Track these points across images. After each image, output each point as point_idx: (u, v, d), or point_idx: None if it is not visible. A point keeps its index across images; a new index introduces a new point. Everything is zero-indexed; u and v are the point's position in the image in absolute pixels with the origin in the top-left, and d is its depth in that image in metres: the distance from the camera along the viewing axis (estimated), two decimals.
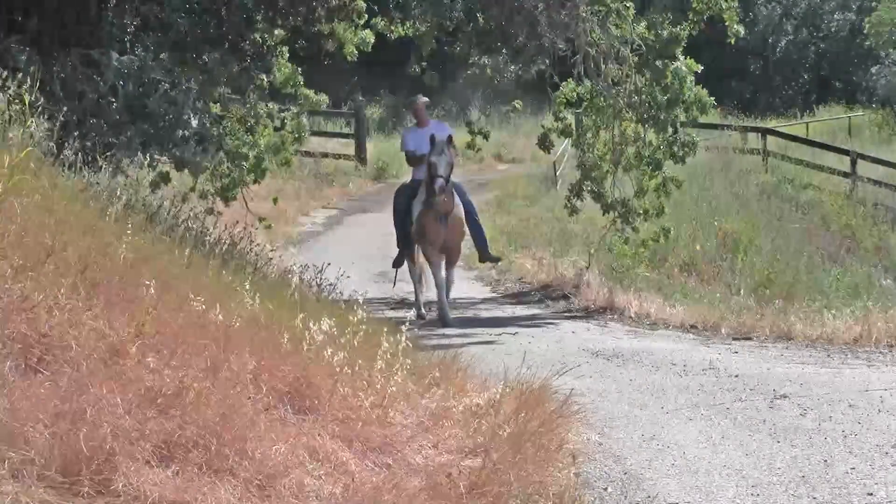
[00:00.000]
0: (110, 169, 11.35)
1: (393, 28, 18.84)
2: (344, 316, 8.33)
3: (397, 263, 16.17)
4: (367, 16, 18.40)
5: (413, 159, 15.71)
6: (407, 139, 16.04)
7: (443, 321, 14.89)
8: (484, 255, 16.22)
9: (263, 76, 17.34)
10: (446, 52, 19.09)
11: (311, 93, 19.82)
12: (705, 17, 17.61)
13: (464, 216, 15.29)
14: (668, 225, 18.45)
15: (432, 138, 14.68)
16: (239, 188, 18.51)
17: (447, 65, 19.73)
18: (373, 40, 19.02)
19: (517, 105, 22.73)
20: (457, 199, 15.16)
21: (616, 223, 17.75)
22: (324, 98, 20.57)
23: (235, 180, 18.35)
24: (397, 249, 16.07)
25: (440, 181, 14.57)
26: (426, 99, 16.52)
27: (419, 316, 15.23)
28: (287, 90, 19.51)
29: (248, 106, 18.05)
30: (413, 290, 16.02)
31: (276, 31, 17.03)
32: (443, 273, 15.23)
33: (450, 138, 14.91)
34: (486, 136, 20.24)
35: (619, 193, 17.75)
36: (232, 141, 17.89)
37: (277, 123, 19.16)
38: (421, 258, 15.84)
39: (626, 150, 17.54)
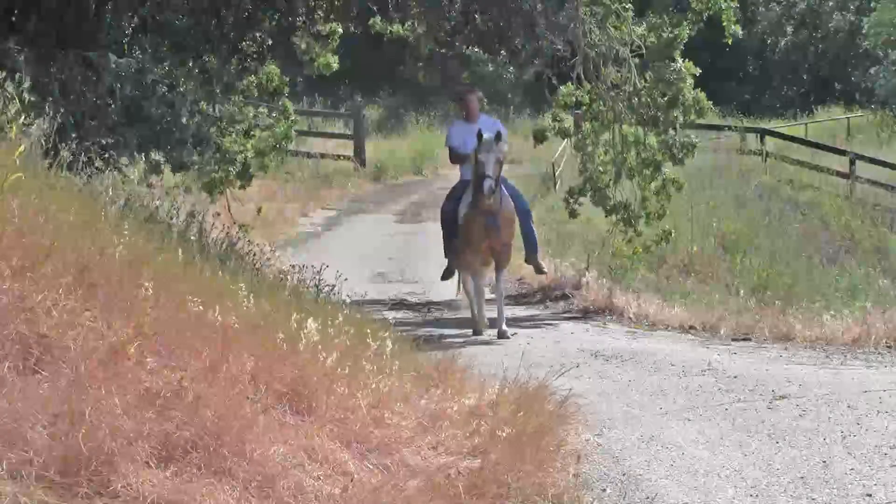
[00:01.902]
0: (108, 170, 11.36)
1: (391, 29, 18.81)
2: (341, 316, 8.33)
3: (447, 275, 15.00)
4: (339, 36, 18.24)
5: (456, 156, 14.58)
6: (452, 134, 14.84)
7: (499, 331, 13.76)
8: (530, 258, 15.23)
9: (252, 77, 17.34)
10: (444, 54, 19.05)
11: (290, 105, 19.73)
12: (704, 17, 17.62)
13: (515, 215, 14.16)
14: (669, 227, 18.46)
15: (479, 135, 13.55)
16: (224, 186, 18.49)
17: (445, 66, 19.68)
18: (336, 66, 18.90)
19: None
20: (506, 194, 14.00)
21: (619, 226, 17.78)
22: (298, 120, 20.70)
23: (221, 178, 18.33)
24: (446, 259, 14.89)
25: (489, 181, 13.38)
26: (480, 92, 15.49)
27: (476, 332, 13.95)
28: (274, 96, 19.38)
29: (238, 107, 18.00)
30: (469, 303, 14.49)
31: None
32: (482, 281, 14.13)
33: (498, 135, 13.65)
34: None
35: (621, 196, 17.77)
36: (228, 141, 17.89)
37: (267, 123, 19.13)
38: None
39: (627, 156, 17.53)
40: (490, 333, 13.82)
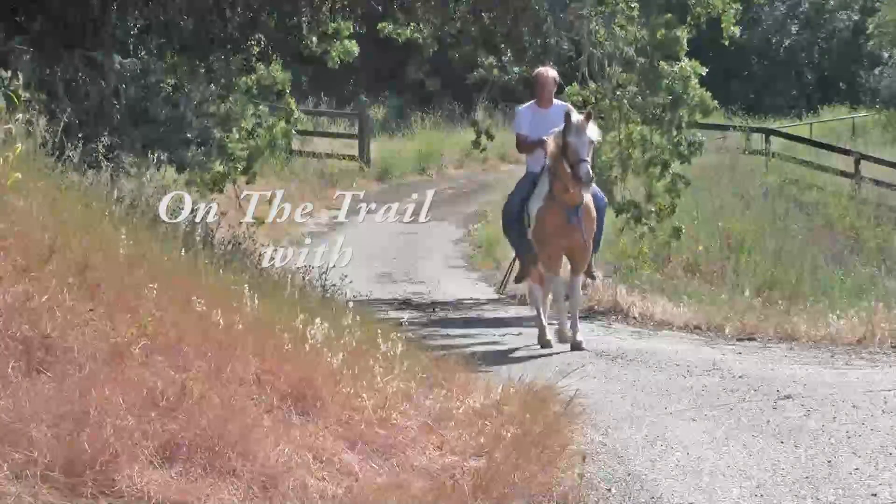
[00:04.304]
0: (113, 169, 11.36)
1: (399, 31, 18.80)
2: (345, 317, 8.33)
3: (521, 278, 13.24)
4: (350, 32, 18.18)
5: (526, 145, 12.79)
6: (521, 119, 12.88)
7: (572, 343, 12.40)
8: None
9: (253, 76, 17.34)
10: (449, 54, 19.05)
11: (293, 103, 19.68)
12: (703, 19, 17.67)
13: (594, 211, 12.38)
14: (678, 224, 18.49)
15: (567, 116, 11.82)
16: (232, 179, 18.45)
17: (451, 66, 19.67)
18: (357, 51, 18.62)
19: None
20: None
21: (630, 224, 17.81)
22: (301, 117, 20.58)
23: (224, 174, 18.27)
24: (518, 262, 13.29)
25: (585, 165, 11.64)
26: (555, 73, 13.28)
27: (544, 343, 12.62)
28: (279, 96, 19.31)
29: (240, 107, 17.99)
30: (536, 309, 13.06)
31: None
32: (562, 284, 12.57)
33: (589, 115, 12.11)
34: (491, 137, 20.19)
35: (629, 195, 17.82)
36: (231, 140, 17.89)
37: (269, 122, 19.12)
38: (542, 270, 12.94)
39: (632, 153, 17.54)
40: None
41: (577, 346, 12.32)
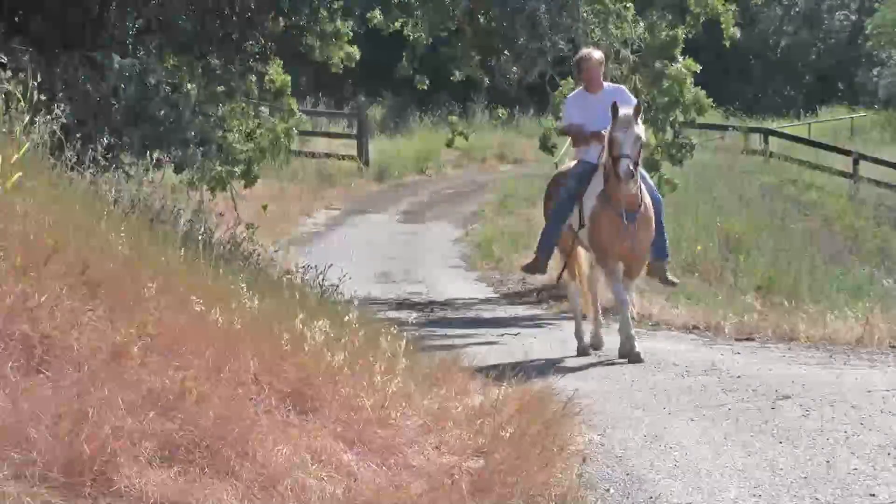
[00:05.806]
0: (112, 170, 11.37)
1: (391, 25, 18.81)
2: (344, 316, 8.34)
3: (531, 269, 12.71)
4: (351, 35, 18.25)
5: (583, 137, 11.99)
6: (570, 108, 12.23)
7: (625, 353, 11.70)
8: (657, 271, 12.26)
9: (254, 77, 17.33)
10: (443, 54, 19.07)
11: (294, 103, 19.69)
12: (702, 20, 17.72)
13: (653, 215, 11.66)
14: None
15: (615, 108, 11.06)
16: (228, 182, 18.47)
17: (445, 66, 19.74)
18: (358, 56, 18.78)
19: (501, 114, 22.77)
20: (644, 188, 11.58)
21: None
22: (303, 119, 20.68)
23: (225, 177, 18.29)
24: (536, 253, 12.53)
25: (626, 162, 10.96)
26: (600, 54, 12.50)
27: (582, 349, 12.20)
28: (277, 97, 19.32)
29: (241, 108, 17.97)
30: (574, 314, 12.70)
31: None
32: (624, 290, 11.81)
33: (637, 109, 11.39)
34: (465, 137, 20.53)
35: None
36: (231, 140, 17.87)
37: (270, 124, 19.14)
38: (585, 270, 12.57)
39: None
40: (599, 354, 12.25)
41: (636, 359, 11.60)
